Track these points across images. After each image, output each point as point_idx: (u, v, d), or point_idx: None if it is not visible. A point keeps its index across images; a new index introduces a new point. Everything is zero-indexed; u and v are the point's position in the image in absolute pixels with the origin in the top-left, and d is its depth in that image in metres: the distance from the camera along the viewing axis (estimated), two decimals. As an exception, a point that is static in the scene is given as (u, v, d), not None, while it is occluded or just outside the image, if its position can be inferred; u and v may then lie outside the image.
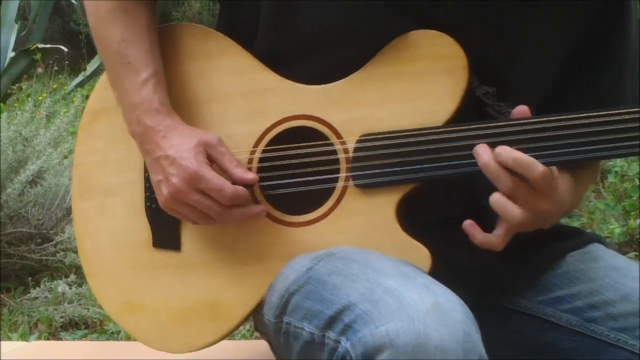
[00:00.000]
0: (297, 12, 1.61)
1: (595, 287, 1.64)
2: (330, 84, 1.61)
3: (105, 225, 1.79)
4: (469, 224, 1.49)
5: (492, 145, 1.51)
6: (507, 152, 1.45)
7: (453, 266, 1.58)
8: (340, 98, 1.61)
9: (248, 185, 1.63)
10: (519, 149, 1.48)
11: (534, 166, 1.43)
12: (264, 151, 1.65)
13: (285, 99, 1.64)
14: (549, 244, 1.71)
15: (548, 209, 1.48)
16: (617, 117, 1.47)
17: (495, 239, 1.49)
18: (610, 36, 1.69)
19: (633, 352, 1.55)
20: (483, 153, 1.46)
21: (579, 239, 1.75)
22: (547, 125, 1.50)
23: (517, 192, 1.45)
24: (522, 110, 1.50)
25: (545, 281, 1.69)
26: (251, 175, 1.62)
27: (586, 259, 1.71)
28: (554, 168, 1.48)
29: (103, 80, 1.80)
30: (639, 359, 1.55)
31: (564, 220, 1.83)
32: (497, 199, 1.46)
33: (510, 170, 1.45)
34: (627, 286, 1.62)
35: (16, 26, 7.17)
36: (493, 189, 1.57)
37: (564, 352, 1.65)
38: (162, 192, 1.64)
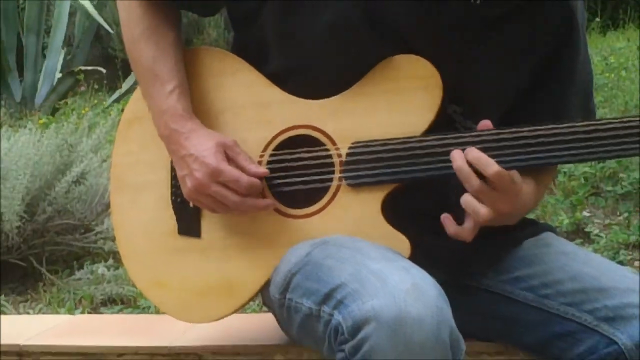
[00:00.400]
0: (297, 40, 1.63)
1: (548, 268, 1.67)
2: (327, 99, 1.64)
3: (138, 217, 1.81)
4: (445, 217, 1.53)
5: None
6: (472, 152, 1.48)
7: (428, 252, 1.60)
8: (335, 111, 1.64)
9: (262, 179, 1.66)
10: None
11: (490, 165, 1.46)
12: (271, 155, 1.68)
13: (289, 111, 1.67)
14: (508, 232, 1.71)
15: (510, 210, 1.51)
16: (563, 130, 1.50)
17: (464, 231, 1.53)
18: (560, 63, 1.70)
19: (579, 323, 1.58)
20: (457, 158, 1.49)
21: (534, 228, 1.77)
22: (505, 136, 1.53)
23: (482, 193, 1.47)
24: (485, 123, 1.52)
25: (505, 264, 1.71)
26: (262, 169, 1.65)
27: (540, 245, 1.73)
28: (515, 174, 1.50)
29: (135, 94, 1.83)
30: (585, 329, 1.57)
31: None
32: (466, 200, 1.50)
33: (476, 172, 1.48)
34: (574, 268, 1.65)
35: (63, 51, 7.12)
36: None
37: (522, 323, 1.67)
38: (187, 185, 1.67)
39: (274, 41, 1.68)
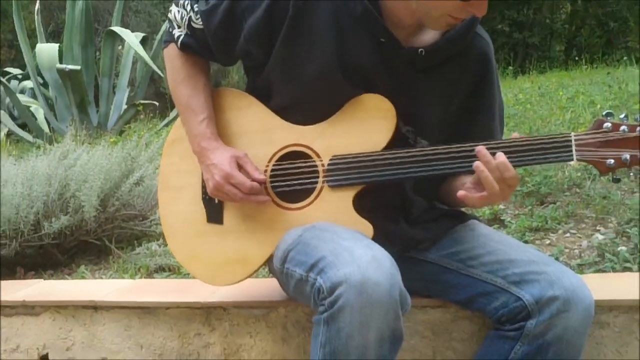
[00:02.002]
0: (293, 84, 1.63)
1: (473, 246, 1.66)
2: (314, 125, 1.64)
3: (177, 209, 1.80)
4: (462, 195, 1.48)
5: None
6: (501, 156, 1.45)
7: (385, 233, 1.59)
8: (320, 133, 1.63)
9: (261, 183, 1.65)
10: (414, 164, 1.55)
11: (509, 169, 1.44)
12: (274, 165, 1.68)
13: (287, 134, 1.67)
14: (444, 219, 1.73)
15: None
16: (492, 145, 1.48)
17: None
18: (482, 95, 1.69)
19: (495, 285, 1.57)
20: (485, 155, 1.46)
21: (463, 216, 1.76)
22: (439, 151, 1.54)
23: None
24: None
25: (443, 242, 1.70)
26: (262, 176, 1.64)
27: (468, 229, 1.72)
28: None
29: (176, 122, 1.82)
30: (499, 289, 1.56)
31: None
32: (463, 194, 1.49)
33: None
34: (492, 246, 1.64)
35: (127, 90, 7.16)
36: (415, 186, 1.69)
37: (455, 285, 1.66)
38: (210, 185, 1.68)
39: (276, 84, 1.68)
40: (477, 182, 1.50)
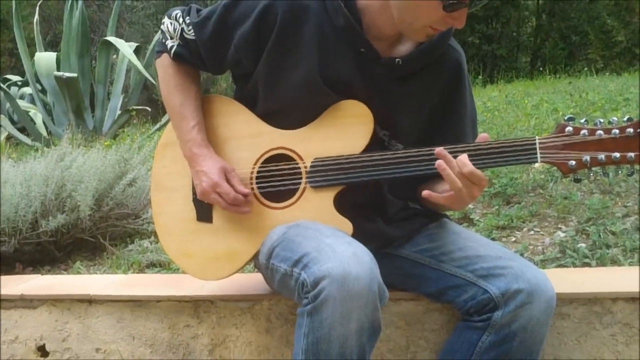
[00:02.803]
0: (278, 92, 1.63)
1: (444, 243, 1.67)
2: (297, 130, 1.63)
3: (169, 209, 1.80)
4: (427, 194, 1.48)
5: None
6: (462, 156, 1.44)
7: (363, 231, 1.59)
8: (303, 137, 1.63)
9: (245, 196, 1.64)
10: (390, 166, 1.55)
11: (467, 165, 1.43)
12: (260, 167, 1.67)
13: (272, 138, 1.66)
14: (418, 218, 1.73)
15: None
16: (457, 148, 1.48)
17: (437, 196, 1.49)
18: (454, 101, 1.69)
19: (464, 279, 1.58)
20: (445, 155, 1.45)
21: (435, 215, 1.75)
22: (410, 154, 1.54)
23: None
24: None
25: (416, 240, 1.70)
26: (245, 190, 1.64)
27: (439, 227, 1.72)
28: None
29: (168, 127, 1.81)
30: (468, 283, 1.57)
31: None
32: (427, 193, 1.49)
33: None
34: (461, 242, 1.65)
35: (122, 96, 7.11)
36: (391, 187, 1.68)
37: (427, 279, 1.66)
38: (198, 190, 1.68)
39: (263, 92, 1.67)
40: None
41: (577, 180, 1.49)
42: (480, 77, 11.42)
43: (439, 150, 1.47)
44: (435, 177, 1.51)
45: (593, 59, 15.29)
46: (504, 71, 13.05)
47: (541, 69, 13.27)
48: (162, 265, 2.61)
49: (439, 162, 1.46)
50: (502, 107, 5.87)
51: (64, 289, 2.19)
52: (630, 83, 7.18)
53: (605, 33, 15.83)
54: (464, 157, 1.45)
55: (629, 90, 6.09)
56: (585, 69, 11.23)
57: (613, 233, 2.33)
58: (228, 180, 1.66)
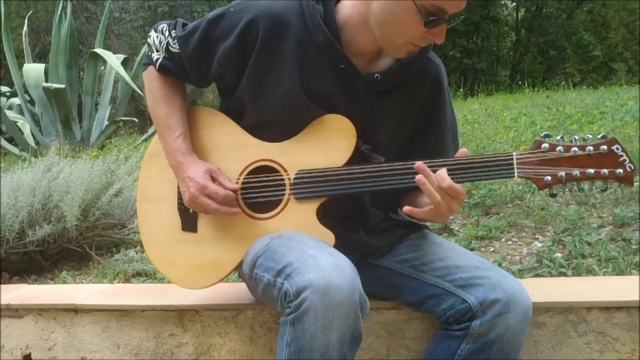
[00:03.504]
0: (262, 105, 1.63)
1: (424, 253, 1.67)
2: (282, 142, 1.64)
3: (155, 218, 1.79)
4: (408, 210, 1.48)
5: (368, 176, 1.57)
6: (441, 170, 1.44)
7: (345, 242, 1.60)
8: (287, 150, 1.63)
9: (234, 192, 1.65)
10: (371, 179, 1.56)
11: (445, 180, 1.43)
12: (245, 178, 1.67)
13: (257, 150, 1.66)
14: (399, 229, 1.74)
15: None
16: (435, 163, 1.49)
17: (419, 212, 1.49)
18: (434, 115, 1.69)
19: (443, 288, 1.58)
20: (424, 169, 1.45)
21: (416, 226, 1.75)
22: (395, 166, 1.55)
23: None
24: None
25: (397, 250, 1.70)
26: (235, 185, 1.65)
27: (419, 238, 1.72)
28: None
29: (155, 138, 1.81)
30: (447, 292, 1.57)
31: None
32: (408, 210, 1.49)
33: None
34: (441, 253, 1.66)
35: (109, 107, 7.05)
36: (373, 198, 1.69)
37: (407, 289, 1.66)
38: (186, 197, 1.67)
39: (247, 105, 1.67)
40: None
41: (553, 195, 1.51)
42: (461, 90, 11.50)
43: (419, 164, 1.47)
44: (416, 189, 1.51)
45: (570, 73, 15.47)
46: (484, 84, 13.15)
47: (520, 82, 13.41)
48: (148, 275, 2.60)
49: (418, 176, 1.46)
50: (482, 120, 5.91)
51: (49, 298, 2.18)
52: (606, 97, 7.27)
53: (582, 48, 16.03)
54: (442, 172, 1.45)
55: (604, 103, 6.17)
56: (563, 82, 11.36)
57: (588, 243, 2.35)
58: (215, 180, 1.66)
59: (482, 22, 15.79)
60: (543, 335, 1.76)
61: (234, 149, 1.71)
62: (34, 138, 6.88)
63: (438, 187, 1.45)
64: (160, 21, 1.80)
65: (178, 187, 1.74)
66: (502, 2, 17.32)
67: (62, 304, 2.09)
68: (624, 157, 1.46)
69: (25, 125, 7.12)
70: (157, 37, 1.74)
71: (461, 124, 5.53)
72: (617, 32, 15.20)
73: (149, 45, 1.78)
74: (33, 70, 6.72)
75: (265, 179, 1.66)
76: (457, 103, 9.11)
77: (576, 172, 1.46)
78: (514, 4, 17.40)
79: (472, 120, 5.96)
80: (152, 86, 1.77)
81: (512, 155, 1.49)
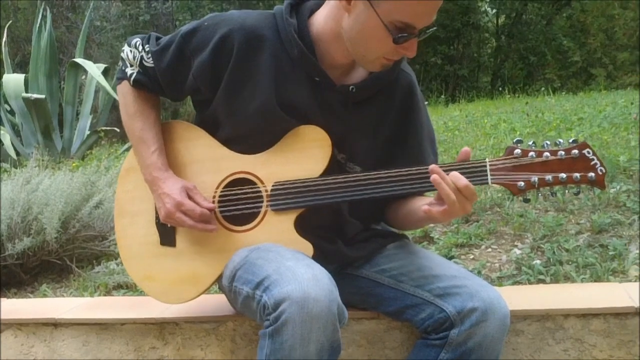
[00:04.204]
0: (237, 118, 1.63)
1: (403, 263, 1.67)
2: (258, 154, 1.64)
3: (133, 233, 1.79)
4: (426, 209, 1.46)
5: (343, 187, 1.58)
6: (456, 175, 1.44)
7: (324, 252, 1.62)
8: (263, 162, 1.64)
9: (210, 211, 1.65)
10: (347, 189, 1.56)
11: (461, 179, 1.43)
12: (222, 191, 1.68)
13: (233, 163, 1.66)
14: (377, 239, 1.74)
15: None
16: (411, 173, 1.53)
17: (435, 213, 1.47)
18: (411, 122, 1.70)
19: (422, 298, 1.59)
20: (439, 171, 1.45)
21: (395, 236, 1.77)
22: (369, 177, 1.56)
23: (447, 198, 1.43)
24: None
25: (376, 260, 1.71)
26: (211, 205, 1.65)
27: (398, 247, 1.73)
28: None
29: (131, 152, 1.80)
30: (425, 302, 1.58)
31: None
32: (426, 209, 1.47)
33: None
34: (419, 262, 1.66)
35: (90, 116, 7.00)
36: (351, 209, 1.69)
37: (386, 299, 1.67)
38: (162, 213, 1.67)
39: (223, 118, 1.67)
40: (438, 197, 1.49)
41: (526, 200, 1.53)
42: (442, 96, 11.58)
43: (433, 166, 1.47)
44: (395, 198, 1.52)
45: (550, 79, 15.62)
46: (466, 91, 13.24)
47: (501, 88, 13.50)
48: (129, 287, 2.58)
49: (434, 176, 1.45)
50: (463, 127, 5.95)
51: (28, 312, 2.16)
52: (585, 102, 7.35)
53: (561, 53, 16.20)
54: (456, 173, 1.45)
55: (583, 109, 6.23)
56: (543, 88, 11.46)
57: (566, 250, 2.38)
58: (191, 198, 1.65)
59: (462, 29, 15.90)
60: (521, 342, 1.77)
61: (210, 162, 1.70)
62: (14, 149, 6.82)
63: (454, 187, 1.44)
64: (134, 35, 1.79)
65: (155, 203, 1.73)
66: (483, 9, 17.47)
67: (41, 318, 2.08)
68: (595, 160, 1.48)
69: (6, 136, 7.05)
70: (131, 51, 1.74)
71: (442, 131, 5.56)
72: (596, 37, 15.36)
73: (122, 59, 1.77)
74: (13, 80, 6.66)
75: (243, 191, 1.66)
76: (439, 110, 9.17)
77: (549, 177, 1.48)
78: (494, 10, 17.55)
79: (453, 127, 5.99)
80: (127, 101, 1.76)
81: (486, 162, 1.50)
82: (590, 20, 15.74)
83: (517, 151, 1.49)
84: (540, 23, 16.67)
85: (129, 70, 1.74)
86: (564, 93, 10.47)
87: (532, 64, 16.35)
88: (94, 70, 6.34)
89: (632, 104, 5.99)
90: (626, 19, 14.68)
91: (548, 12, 16.64)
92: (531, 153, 1.48)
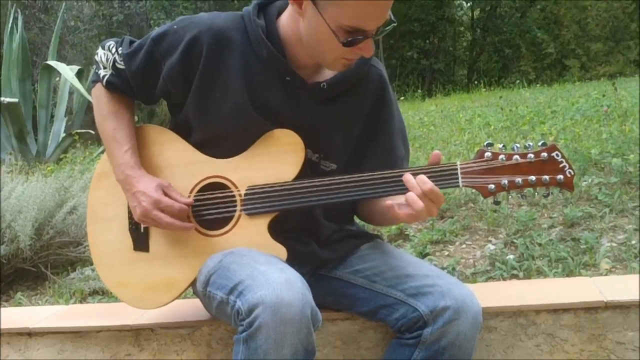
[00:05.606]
0: (210, 121, 1.62)
1: (376, 264, 1.67)
2: (231, 158, 1.63)
3: (105, 239, 1.77)
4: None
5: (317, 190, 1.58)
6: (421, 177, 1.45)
7: (297, 255, 1.63)
8: (237, 166, 1.63)
9: (189, 206, 1.64)
10: (321, 192, 1.56)
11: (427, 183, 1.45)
12: (195, 195, 1.66)
13: (206, 167, 1.66)
14: (351, 239, 1.74)
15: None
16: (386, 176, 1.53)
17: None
18: (382, 117, 1.70)
19: (395, 298, 1.60)
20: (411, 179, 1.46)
21: (368, 236, 1.77)
22: (342, 180, 1.56)
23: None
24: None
25: (349, 261, 1.71)
26: (188, 200, 1.65)
27: (371, 248, 1.73)
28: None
29: (104, 157, 1.77)
30: (399, 301, 1.59)
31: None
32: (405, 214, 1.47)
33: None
34: (392, 262, 1.67)
35: (65, 119, 6.95)
36: (325, 211, 1.69)
37: (360, 299, 1.67)
38: (137, 212, 1.65)
39: (195, 121, 1.67)
40: (406, 200, 1.49)
41: (497, 203, 1.54)
42: (419, 91, 11.62)
43: (406, 175, 1.49)
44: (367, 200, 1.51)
45: (525, 71, 15.76)
46: (442, 84, 13.31)
47: (477, 82, 13.59)
48: (105, 293, 2.57)
49: (406, 175, 1.47)
50: (438, 122, 5.98)
51: (3, 322, 2.13)
52: (559, 95, 7.44)
53: (536, 46, 16.36)
54: (423, 177, 1.46)
55: (556, 102, 6.30)
56: (518, 81, 11.55)
57: (539, 244, 2.41)
58: (167, 195, 1.65)
59: (437, 22, 15.98)
60: (494, 339, 1.79)
61: (183, 166, 1.70)
62: (-12, 154, 6.74)
63: (420, 191, 1.45)
64: (108, 38, 1.79)
65: (128, 207, 1.72)
66: (457, 2, 17.57)
67: (15, 327, 2.05)
68: (564, 163, 1.50)
69: (-21, 141, 6.98)
70: (105, 54, 1.73)
71: (417, 127, 5.58)
72: (569, 29, 15.54)
73: (96, 62, 1.77)
74: (-16, 84, 6.59)
75: (216, 195, 1.66)
76: (415, 104, 9.20)
77: (518, 179, 1.50)
78: (469, 4, 17.67)
79: (428, 122, 6.02)
80: (100, 102, 1.75)
81: (457, 165, 1.51)
82: (563, 12, 15.91)
83: (488, 154, 1.51)
84: (514, 15, 16.81)
85: (101, 73, 1.73)
86: (538, 85, 10.57)
87: (507, 56, 16.50)
88: (67, 72, 6.27)
89: (603, 96, 6.06)
90: (598, 10, 14.85)
91: (522, 4, 16.79)
92: (501, 156, 1.50)
